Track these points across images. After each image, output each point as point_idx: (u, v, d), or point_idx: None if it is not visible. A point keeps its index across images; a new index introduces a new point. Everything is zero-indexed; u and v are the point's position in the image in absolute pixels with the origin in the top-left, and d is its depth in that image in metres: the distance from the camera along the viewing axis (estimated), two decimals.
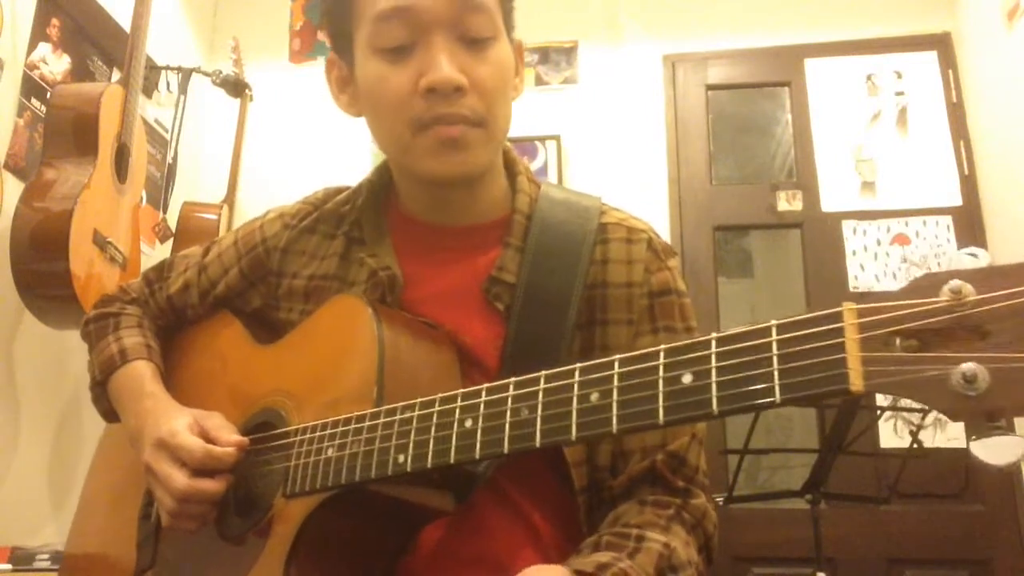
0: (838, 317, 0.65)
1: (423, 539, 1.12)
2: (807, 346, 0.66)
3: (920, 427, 3.26)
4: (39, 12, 3.21)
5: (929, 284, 0.62)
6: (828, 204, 3.98)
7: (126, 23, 3.27)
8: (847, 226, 3.93)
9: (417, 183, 1.26)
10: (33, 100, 3.15)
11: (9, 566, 2.66)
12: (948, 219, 3.86)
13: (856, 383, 0.62)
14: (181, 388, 1.36)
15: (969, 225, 3.83)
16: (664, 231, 3.98)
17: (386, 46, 1.16)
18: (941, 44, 4.10)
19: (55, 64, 3.30)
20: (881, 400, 3.44)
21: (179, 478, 1.15)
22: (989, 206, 3.81)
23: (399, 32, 1.15)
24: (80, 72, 3.45)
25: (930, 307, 0.61)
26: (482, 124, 1.16)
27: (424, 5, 1.14)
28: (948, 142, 3.97)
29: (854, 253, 3.88)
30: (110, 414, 1.41)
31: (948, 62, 4.07)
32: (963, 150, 3.93)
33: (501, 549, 1.15)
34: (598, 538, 1.08)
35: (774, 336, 0.68)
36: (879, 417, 3.37)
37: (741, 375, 0.69)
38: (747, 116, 4.70)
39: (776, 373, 0.67)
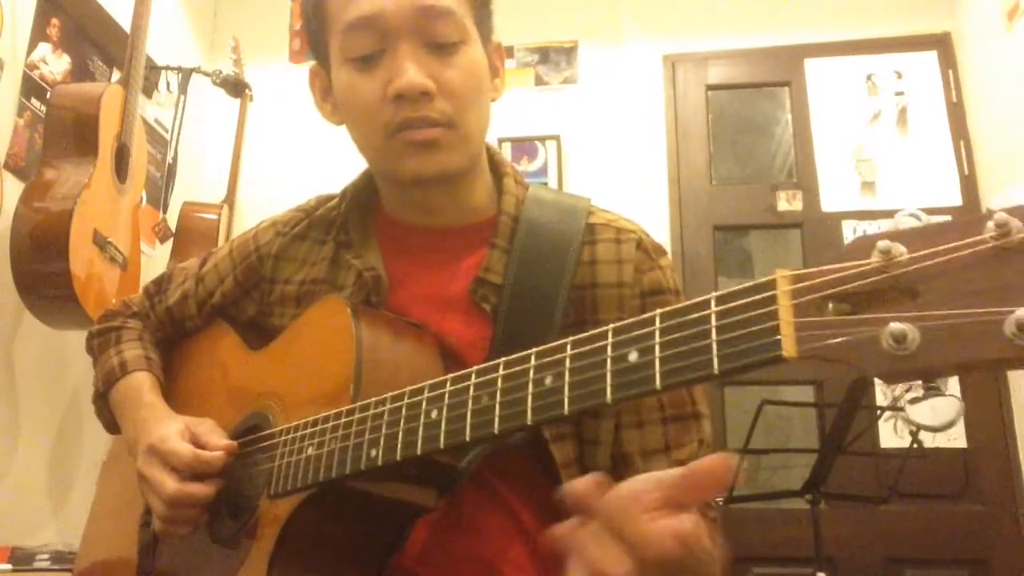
0: (772, 285, 0.65)
1: (412, 537, 1.12)
2: (742, 316, 0.65)
3: (920, 427, 3.25)
4: (39, 12, 3.23)
5: (862, 246, 0.61)
6: (828, 204, 3.98)
7: (126, 23, 3.29)
8: (847, 226, 3.92)
9: (396, 186, 1.28)
10: (33, 100, 3.17)
11: (9, 566, 2.67)
12: (948, 219, 3.83)
13: (789, 349, 0.62)
14: (181, 397, 1.39)
15: None
16: (664, 231, 3.98)
17: (355, 55, 1.19)
18: (941, 44, 4.10)
19: (55, 64, 3.31)
20: (881, 400, 3.44)
21: (169, 483, 1.15)
22: (989, 206, 3.79)
23: (367, 41, 1.17)
24: (80, 72, 3.47)
25: (861, 269, 0.60)
26: (452, 126, 1.17)
27: (389, 13, 1.16)
28: (948, 142, 3.97)
29: None
30: (112, 426, 1.44)
31: (948, 62, 4.07)
32: (963, 150, 3.93)
33: (491, 547, 1.15)
34: None
35: (713, 308, 0.68)
36: (879, 417, 3.37)
37: (682, 349, 0.69)
38: (747, 116, 4.70)
39: (714, 345, 0.66)
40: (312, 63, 1.33)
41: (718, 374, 0.65)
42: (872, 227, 3.89)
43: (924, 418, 0.61)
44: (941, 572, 3.54)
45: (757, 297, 0.65)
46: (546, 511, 1.17)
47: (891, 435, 3.59)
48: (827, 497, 2.93)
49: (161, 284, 1.52)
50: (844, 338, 0.60)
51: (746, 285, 0.65)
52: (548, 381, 0.80)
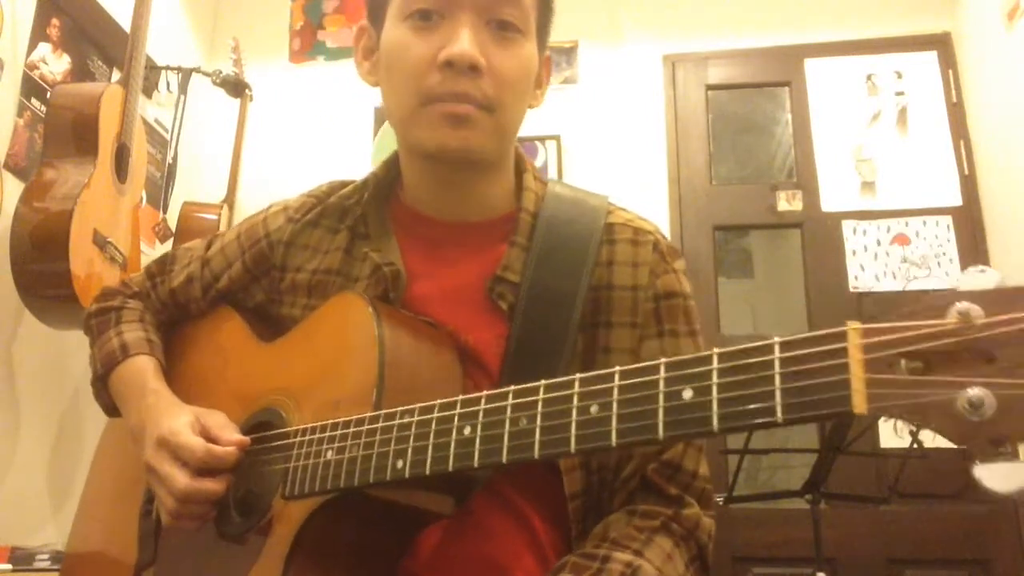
0: (842, 337, 0.64)
1: (422, 541, 1.12)
2: (810, 365, 0.65)
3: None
4: (39, 12, 3.21)
5: (937, 304, 0.61)
6: (828, 204, 3.98)
7: (126, 23, 3.27)
8: (847, 226, 3.92)
9: (421, 164, 1.25)
10: (33, 100, 3.15)
11: (9, 566, 2.66)
12: (948, 219, 3.85)
13: (859, 405, 0.61)
14: (183, 384, 1.36)
15: (969, 225, 3.83)
16: (664, 231, 3.95)
17: (415, 8, 1.17)
18: (941, 44, 4.10)
19: (55, 64, 3.29)
20: None
21: (180, 478, 1.14)
22: (989, 206, 3.81)
23: (431, 3, 1.16)
24: (80, 72, 3.45)
25: (937, 329, 0.60)
26: (491, 109, 1.16)
27: None
28: (948, 142, 3.96)
29: (854, 253, 3.88)
30: (111, 409, 1.41)
31: (948, 62, 4.06)
32: (963, 150, 3.93)
33: (500, 552, 1.15)
34: (567, 560, 1.08)
35: (777, 354, 0.67)
36: (879, 417, 3.37)
37: (742, 393, 0.69)
38: (747, 116, 4.69)
39: (778, 392, 0.66)
40: (361, 22, 1.31)
41: (782, 422, 0.65)
42: (872, 227, 3.89)
43: (994, 483, 0.61)
44: (941, 572, 3.54)
45: (827, 348, 0.64)
46: (554, 515, 1.17)
47: (891, 435, 3.58)
48: (827, 497, 2.94)
49: (164, 264, 1.49)
50: (917, 399, 0.59)
51: (813, 334, 0.65)
52: (594, 410, 0.79)
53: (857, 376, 0.62)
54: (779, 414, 0.65)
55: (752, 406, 0.68)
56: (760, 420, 0.66)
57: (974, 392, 0.57)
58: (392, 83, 1.22)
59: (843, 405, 0.62)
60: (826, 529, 2.94)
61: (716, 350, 0.71)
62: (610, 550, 1.06)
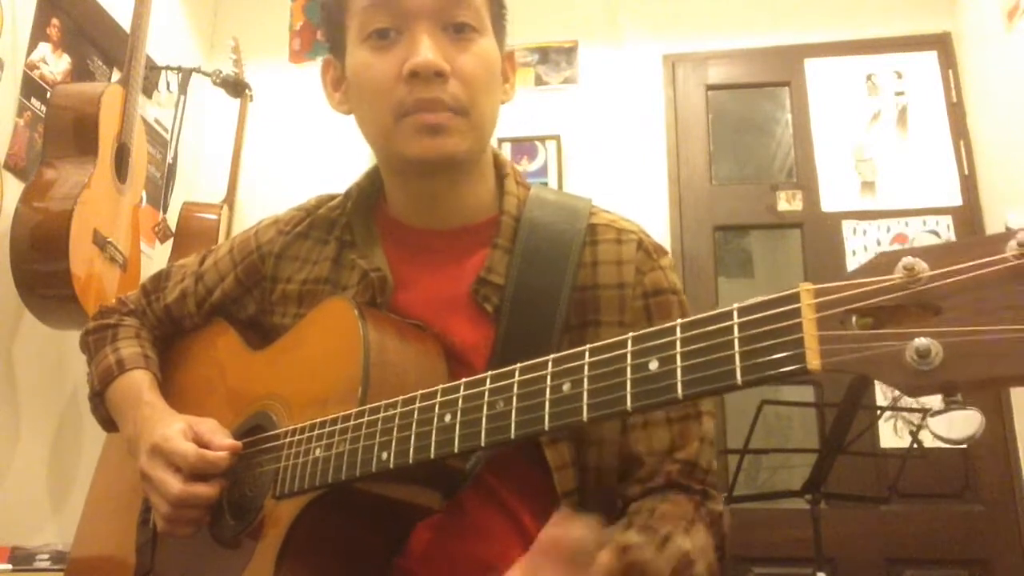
0: (795, 298, 0.65)
1: (414, 539, 1.13)
2: (766, 327, 0.66)
3: (920, 427, 3.25)
4: (39, 12, 3.22)
5: (884, 262, 0.63)
6: (828, 204, 3.98)
7: (126, 23, 3.28)
8: (847, 226, 3.92)
9: (401, 176, 1.28)
10: (33, 100, 3.16)
11: (9, 566, 2.67)
12: (948, 219, 3.85)
13: (813, 362, 0.63)
14: (178, 396, 1.38)
15: (969, 225, 3.82)
16: (664, 231, 3.98)
17: (372, 29, 1.19)
18: (941, 44, 4.10)
19: (55, 64, 3.31)
20: (881, 400, 3.45)
21: (173, 483, 1.16)
22: (989, 206, 3.80)
23: (385, 19, 1.18)
24: (80, 72, 3.46)
25: (884, 284, 0.61)
26: (464, 113, 1.18)
27: None
28: (948, 142, 3.96)
29: (854, 253, 3.87)
30: (108, 424, 1.44)
31: (948, 62, 4.06)
32: (963, 150, 3.93)
33: (491, 549, 1.15)
34: (629, 520, 1.06)
35: (735, 319, 0.69)
36: (879, 417, 3.37)
37: (704, 359, 0.70)
38: (747, 116, 4.70)
39: (737, 356, 0.67)
40: (325, 56, 1.33)
41: (741, 384, 0.66)
42: (872, 227, 3.89)
43: (944, 431, 0.61)
44: (941, 572, 3.54)
45: (781, 309, 0.66)
46: (545, 513, 1.17)
47: (891, 435, 3.59)
48: (827, 497, 2.93)
49: (159, 281, 1.51)
50: (868, 352, 0.61)
51: (768, 297, 0.66)
52: (566, 388, 0.81)
53: (810, 334, 0.63)
54: (739, 376, 0.67)
55: (713, 371, 0.69)
56: (722, 384, 0.68)
57: (920, 342, 0.58)
58: (364, 105, 1.24)
59: (798, 363, 0.64)
60: (826, 529, 2.94)
61: (679, 320, 0.73)
62: (670, 531, 1.03)
